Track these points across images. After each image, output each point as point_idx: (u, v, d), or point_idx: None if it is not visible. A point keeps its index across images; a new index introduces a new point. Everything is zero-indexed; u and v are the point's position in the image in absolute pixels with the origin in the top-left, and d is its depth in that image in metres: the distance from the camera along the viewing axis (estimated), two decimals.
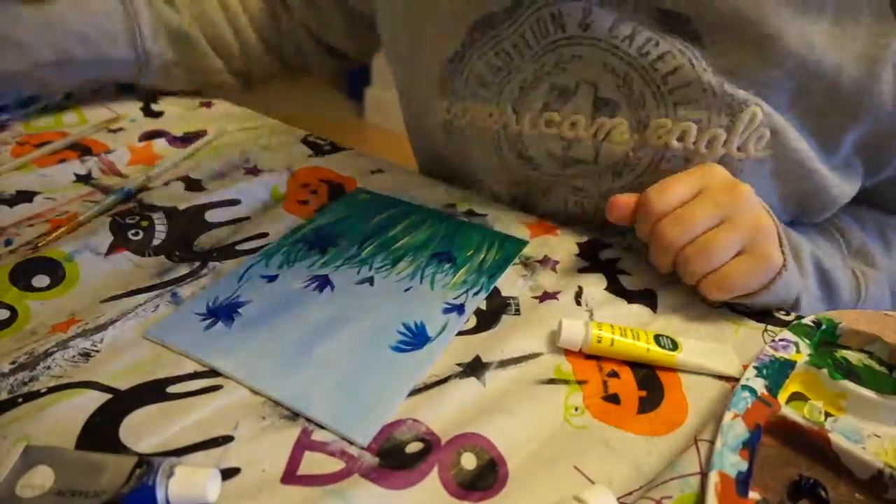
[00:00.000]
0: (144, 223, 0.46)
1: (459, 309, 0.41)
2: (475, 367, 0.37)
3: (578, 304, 0.42)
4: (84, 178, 0.53)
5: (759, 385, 0.35)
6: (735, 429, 0.32)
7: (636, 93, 0.44)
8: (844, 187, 0.45)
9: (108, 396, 0.34)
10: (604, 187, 0.48)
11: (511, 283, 0.44)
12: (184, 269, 0.43)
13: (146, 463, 0.28)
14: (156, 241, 0.46)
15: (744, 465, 0.30)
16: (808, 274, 0.45)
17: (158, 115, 0.65)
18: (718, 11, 0.40)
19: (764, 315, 0.42)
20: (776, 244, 0.40)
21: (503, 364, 0.37)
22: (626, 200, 0.43)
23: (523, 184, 0.52)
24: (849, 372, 0.37)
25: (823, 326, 0.39)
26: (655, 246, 0.41)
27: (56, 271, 0.42)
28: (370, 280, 0.43)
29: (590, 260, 0.47)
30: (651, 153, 0.44)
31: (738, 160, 0.43)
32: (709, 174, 0.41)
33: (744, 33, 0.40)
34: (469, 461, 0.31)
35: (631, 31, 0.42)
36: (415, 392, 0.35)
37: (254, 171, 0.55)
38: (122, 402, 0.33)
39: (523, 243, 0.48)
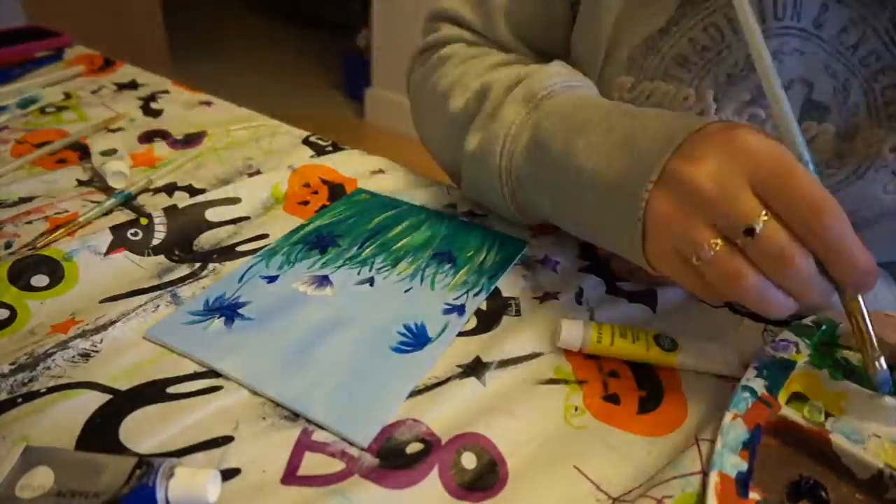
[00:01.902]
0: (143, 221, 0.46)
1: (460, 309, 0.41)
2: (475, 368, 0.37)
3: (579, 303, 0.42)
4: (86, 183, 0.53)
5: (760, 385, 0.35)
6: (735, 429, 0.32)
7: (851, 102, 0.41)
8: None
9: (108, 397, 0.33)
10: None
11: (512, 283, 0.44)
12: (184, 270, 0.43)
13: (146, 464, 0.28)
14: (155, 241, 0.46)
15: (744, 466, 0.30)
16: None
17: (158, 114, 0.65)
18: None
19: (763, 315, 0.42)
20: None
21: (503, 364, 0.37)
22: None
23: None
24: (849, 372, 0.37)
25: (824, 327, 0.39)
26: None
27: (55, 271, 0.41)
28: (370, 280, 0.43)
29: (590, 260, 0.47)
30: (857, 161, 0.42)
31: None
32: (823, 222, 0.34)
33: None
34: (469, 461, 0.31)
35: (857, 40, 0.40)
36: (415, 393, 0.35)
37: (255, 174, 0.55)
38: (122, 402, 0.33)
39: (524, 243, 0.48)
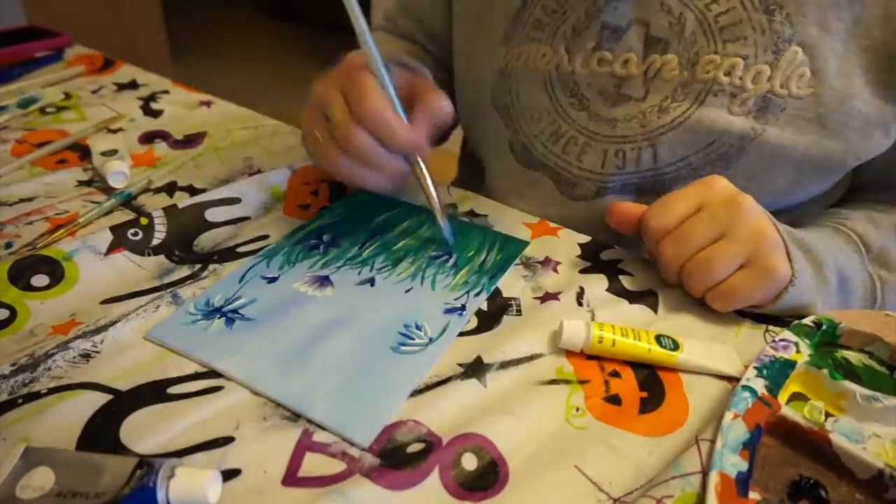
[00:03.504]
0: (143, 221, 0.46)
1: (460, 310, 0.41)
2: (476, 368, 0.37)
3: (580, 304, 0.42)
4: (86, 183, 0.53)
5: (760, 385, 0.35)
6: (735, 429, 0.32)
7: (688, 31, 0.46)
8: (882, 138, 0.45)
9: (109, 397, 0.34)
10: (650, 127, 0.48)
11: (512, 283, 0.44)
12: (185, 271, 0.43)
13: (147, 464, 0.28)
14: (155, 241, 0.45)
15: (744, 466, 0.30)
16: (831, 284, 0.44)
17: (158, 114, 0.65)
18: None
19: (764, 316, 0.42)
20: (782, 256, 0.40)
21: (504, 365, 0.37)
22: (626, 209, 0.44)
23: (563, 136, 0.51)
24: (849, 372, 0.37)
25: (824, 327, 0.39)
26: (660, 264, 0.43)
27: (55, 271, 0.41)
28: (371, 281, 0.43)
29: (591, 260, 0.47)
30: (699, 88, 0.46)
31: (781, 97, 0.44)
32: (708, 190, 0.41)
33: None
34: (470, 461, 0.31)
35: None
36: (416, 393, 0.35)
37: (255, 174, 0.55)
38: (123, 403, 0.33)
39: (524, 244, 0.48)
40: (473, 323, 0.40)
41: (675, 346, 0.38)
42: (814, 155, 0.45)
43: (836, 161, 0.46)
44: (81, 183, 0.52)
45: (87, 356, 0.36)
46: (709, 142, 0.46)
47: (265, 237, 0.47)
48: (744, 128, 0.45)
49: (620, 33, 0.47)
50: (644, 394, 0.36)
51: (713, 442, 0.32)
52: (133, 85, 0.71)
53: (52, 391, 0.34)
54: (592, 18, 0.48)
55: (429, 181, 0.43)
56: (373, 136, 0.40)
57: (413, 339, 0.38)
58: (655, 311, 0.42)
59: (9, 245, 0.44)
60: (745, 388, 0.34)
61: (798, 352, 0.38)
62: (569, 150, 0.51)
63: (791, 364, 0.37)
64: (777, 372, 0.36)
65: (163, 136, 0.61)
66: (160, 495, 0.28)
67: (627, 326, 0.38)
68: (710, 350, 0.38)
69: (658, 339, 0.38)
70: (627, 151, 0.49)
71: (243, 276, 0.43)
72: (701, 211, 0.41)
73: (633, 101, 0.48)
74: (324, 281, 0.43)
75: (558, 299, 0.43)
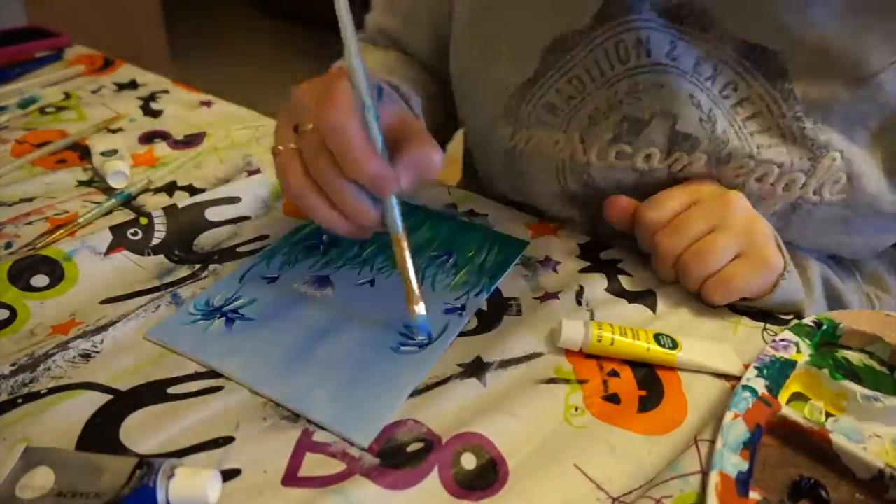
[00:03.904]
0: (143, 220, 0.46)
1: (460, 310, 0.41)
2: (476, 368, 0.37)
3: (579, 304, 0.42)
4: (86, 183, 0.53)
5: (760, 385, 0.35)
6: (735, 429, 0.32)
7: (719, 130, 0.42)
8: None
9: (109, 397, 0.34)
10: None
11: (512, 283, 0.44)
12: (184, 271, 0.43)
13: (146, 464, 0.28)
14: (155, 241, 0.46)
15: (744, 466, 0.30)
16: (814, 288, 0.45)
17: (158, 114, 0.65)
18: (809, 46, 0.39)
19: (763, 314, 0.42)
20: (774, 248, 0.41)
21: (504, 364, 0.37)
22: (624, 203, 0.44)
23: (574, 223, 0.51)
24: (850, 372, 0.37)
25: (824, 326, 0.39)
26: (655, 257, 0.43)
27: (55, 270, 0.41)
28: (371, 281, 0.43)
29: (590, 260, 0.47)
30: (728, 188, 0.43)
31: (812, 204, 0.42)
32: (698, 187, 0.42)
33: (834, 67, 0.39)
34: (469, 461, 0.31)
35: (712, 72, 0.41)
36: (416, 393, 0.35)
37: (255, 173, 0.55)
38: (123, 403, 0.33)
39: (524, 244, 0.48)
40: (473, 323, 0.40)
41: (674, 345, 0.38)
42: (831, 248, 0.45)
43: (854, 251, 0.47)
44: (81, 183, 0.52)
45: (86, 356, 0.36)
46: None
47: (265, 237, 0.47)
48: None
49: (642, 126, 0.43)
50: (643, 392, 0.36)
51: (713, 442, 0.32)
52: (133, 85, 0.71)
53: (51, 391, 0.34)
54: (613, 109, 0.44)
55: (407, 256, 0.36)
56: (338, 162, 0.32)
57: (413, 339, 0.38)
58: (654, 310, 0.42)
59: (9, 245, 0.44)
60: (746, 387, 0.34)
61: (798, 352, 0.38)
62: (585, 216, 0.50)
63: (791, 364, 0.37)
64: (777, 372, 0.36)
65: (163, 135, 0.61)
66: (160, 495, 0.28)
67: (626, 325, 0.38)
68: (708, 349, 0.38)
69: (657, 338, 0.38)
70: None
71: (243, 276, 0.43)
72: (694, 205, 0.41)
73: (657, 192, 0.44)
74: (324, 281, 0.43)
75: (558, 299, 0.43)
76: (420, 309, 0.37)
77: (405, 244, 0.35)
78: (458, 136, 0.66)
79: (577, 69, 0.45)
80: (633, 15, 0.42)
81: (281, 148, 0.35)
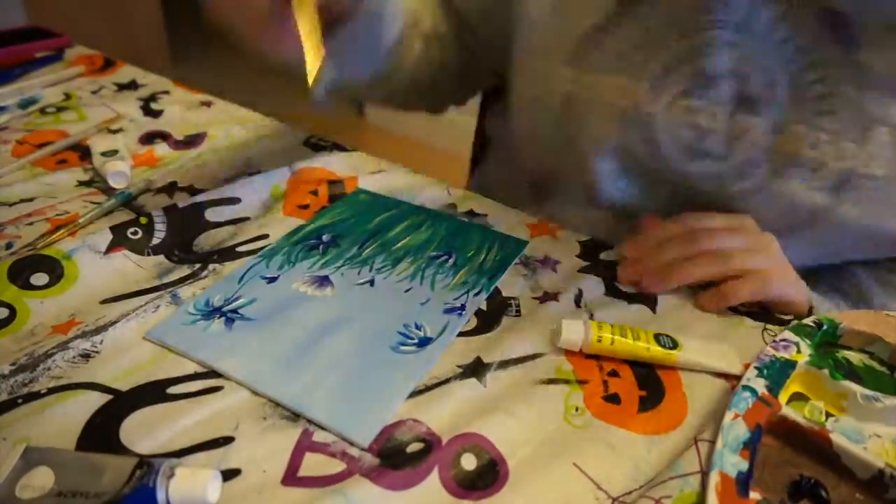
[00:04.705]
0: (143, 220, 0.46)
1: (460, 310, 0.41)
2: (475, 368, 0.37)
3: (578, 304, 0.42)
4: (87, 183, 0.53)
5: (760, 385, 0.35)
6: (736, 429, 0.32)
7: (779, 95, 0.43)
8: None
9: (109, 397, 0.34)
10: (726, 189, 0.46)
11: (511, 283, 0.44)
12: (184, 271, 0.43)
13: (146, 464, 0.28)
14: (155, 240, 0.46)
15: (744, 465, 0.30)
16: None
17: (158, 114, 0.65)
18: (885, 12, 0.40)
19: (763, 314, 0.42)
20: (799, 290, 0.43)
21: (504, 364, 0.37)
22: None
23: (634, 170, 0.49)
24: (850, 372, 0.37)
25: (824, 327, 0.39)
26: (679, 239, 0.44)
27: (54, 269, 0.41)
28: (371, 281, 0.43)
29: (590, 260, 0.47)
30: (782, 158, 0.43)
31: (860, 176, 0.42)
32: (742, 220, 0.44)
33: None
34: (469, 461, 0.31)
35: (788, 34, 0.42)
36: (416, 393, 0.35)
37: (255, 174, 0.55)
38: (123, 402, 0.33)
39: (524, 244, 0.48)
40: (473, 323, 0.40)
41: (674, 345, 0.38)
42: (881, 232, 0.45)
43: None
44: (81, 183, 0.52)
45: (86, 356, 0.36)
46: (783, 213, 0.45)
47: (265, 237, 0.47)
48: (819, 203, 0.43)
49: (713, 83, 0.44)
50: (643, 392, 0.36)
51: (713, 442, 0.32)
52: (133, 85, 0.71)
53: (51, 391, 0.34)
54: (685, 62, 0.44)
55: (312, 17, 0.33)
56: None
57: (413, 338, 0.38)
58: (654, 310, 0.42)
59: (9, 245, 0.44)
60: (746, 387, 0.34)
61: (799, 352, 0.38)
62: (634, 191, 0.50)
63: (792, 364, 0.37)
64: (778, 372, 0.36)
65: (163, 136, 0.61)
66: (160, 495, 0.28)
67: (626, 325, 0.38)
68: (708, 348, 0.38)
69: (657, 337, 0.38)
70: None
71: (243, 276, 0.43)
72: (736, 230, 0.43)
73: (712, 160, 0.45)
74: (323, 281, 0.43)
75: (557, 299, 0.43)
76: (314, 73, 0.34)
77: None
78: (460, 136, 0.66)
79: (655, 13, 0.44)
80: None
81: None
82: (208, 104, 0.67)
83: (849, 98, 0.41)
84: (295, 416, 0.33)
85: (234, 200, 0.50)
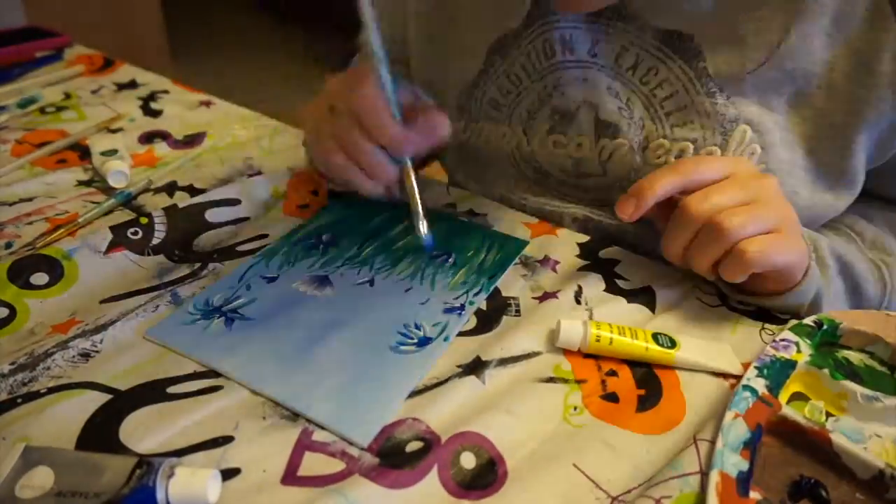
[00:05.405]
0: (143, 220, 0.46)
1: (460, 309, 0.41)
2: (475, 367, 0.37)
3: (578, 303, 0.42)
4: (86, 183, 0.53)
5: (760, 385, 0.35)
6: (736, 429, 0.32)
7: (636, 116, 0.46)
8: (831, 200, 0.46)
9: (109, 397, 0.34)
10: (614, 198, 0.45)
11: (511, 283, 0.44)
12: (184, 270, 0.43)
13: (146, 463, 0.28)
14: (155, 241, 0.46)
15: (744, 465, 0.30)
16: (829, 267, 0.44)
17: (158, 114, 0.65)
18: (717, 27, 0.43)
19: (762, 314, 0.42)
20: (802, 238, 0.40)
21: (503, 362, 0.37)
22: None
23: (540, 196, 0.53)
24: (850, 372, 0.37)
25: (824, 326, 0.39)
26: (677, 221, 0.39)
27: (54, 269, 0.41)
28: (370, 281, 0.43)
29: (589, 259, 0.47)
30: (651, 171, 0.42)
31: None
32: (736, 163, 0.41)
33: (744, 43, 0.42)
34: (468, 460, 0.31)
35: (634, 61, 0.45)
36: (415, 393, 0.35)
37: (255, 174, 0.55)
38: (123, 402, 0.33)
39: (524, 243, 0.48)
40: (472, 322, 0.40)
41: (673, 344, 0.38)
42: None
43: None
44: (81, 183, 0.53)
45: (86, 355, 0.36)
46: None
47: (265, 237, 0.47)
48: None
49: (571, 117, 0.48)
50: (641, 392, 0.36)
51: (712, 442, 0.32)
52: (133, 85, 0.71)
53: (51, 390, 0.34)
54: (544, 102, 0.49)
55: (415, 186, 0.42)
56: (365, 130, 0.40)
57: (412, 338, 0.38)
58: (653, 310, 0.42)
59: (9, 245, 0.44)
60: (746, 387, 0.34)
61: (799, 352, 0.38)
62: (545, 204, 0.53)
63: (792, 364, 0.37)
64: (778, 372, 0.36)
65: (163, 136, 0.61)
66: (160, 495, 0.28)
67: (625, 325, 0.38)
68: (707, 348, 0.38)
69: (655, 337, 0.38)
70: (593, 218, 0.51)
71: (243, 276, 0.43)
72: (731, 178, 0.39)
73: (594, 178, 0.50)
74: (323, 281, 0.43)
75: (557, 298, 0.43)
76: (423, 227, 0.42)
77: (412, 174, 0.42)
78: None
79: (514, 66, 0.50)
80: (557, 15, 0.47)
81: (317, 127, 0.43)
82: (208, 104, 0.68)
83: (702, 107, 0.44)
84: (294, 416, 0.33)
85: (234, 201, 0.50)
